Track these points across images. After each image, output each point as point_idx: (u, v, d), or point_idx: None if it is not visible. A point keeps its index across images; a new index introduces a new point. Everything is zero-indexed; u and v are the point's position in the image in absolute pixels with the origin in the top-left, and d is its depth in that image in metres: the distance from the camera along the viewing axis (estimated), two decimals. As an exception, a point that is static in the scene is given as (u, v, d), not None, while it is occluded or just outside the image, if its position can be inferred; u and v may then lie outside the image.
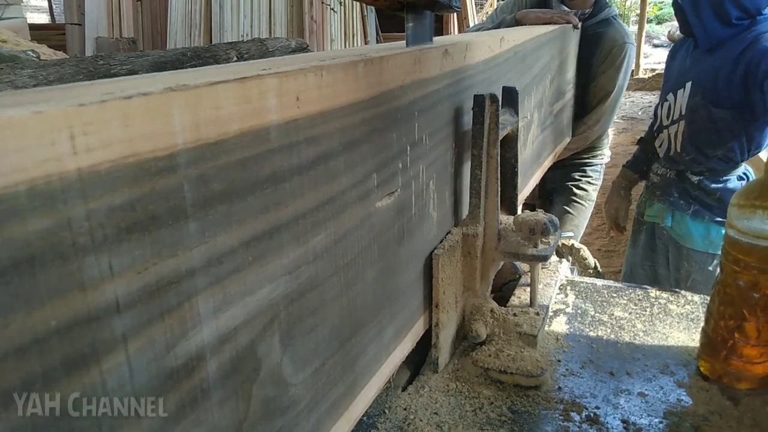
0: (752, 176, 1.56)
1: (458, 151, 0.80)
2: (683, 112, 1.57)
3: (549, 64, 1.38)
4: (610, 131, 2.04)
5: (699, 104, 1.52)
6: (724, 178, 1.55)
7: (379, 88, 0.55)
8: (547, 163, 1.55)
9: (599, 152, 2.00)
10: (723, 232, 1.51)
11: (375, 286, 0.59)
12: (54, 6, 8.96)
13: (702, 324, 0.81)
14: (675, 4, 1.57)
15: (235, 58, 2.51)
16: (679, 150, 1.60)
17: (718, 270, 1.59)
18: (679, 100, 1.58)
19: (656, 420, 0.70)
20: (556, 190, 1.99)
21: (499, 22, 1.72)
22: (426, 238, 0.72)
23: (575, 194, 1.96)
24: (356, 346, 0.56)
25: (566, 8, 1.77)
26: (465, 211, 0.85)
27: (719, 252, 1.52)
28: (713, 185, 1.55)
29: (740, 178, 1.55)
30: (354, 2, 5.03)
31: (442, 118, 0.73)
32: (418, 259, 0.71)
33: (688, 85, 1.55)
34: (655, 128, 1.73)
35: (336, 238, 0.50)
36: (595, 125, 1.88)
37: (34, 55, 2.82)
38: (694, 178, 1.58)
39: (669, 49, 1.82)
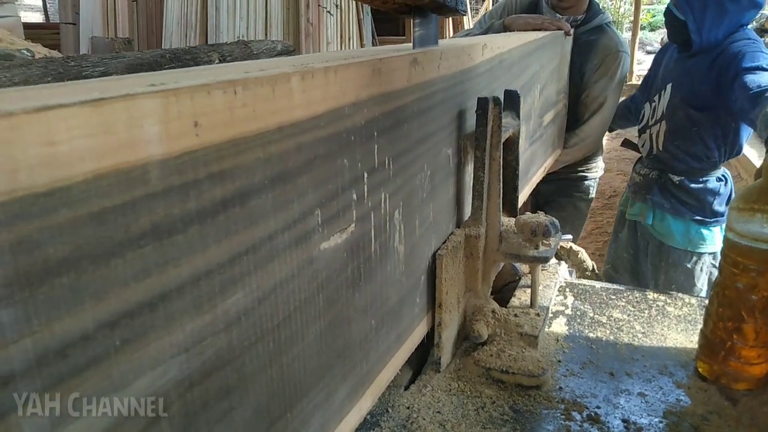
0: (730, 178, 1.63)
1: (433, 171, 0.70)
2: (664, 112, 1.63)
3: (538, 74, 1.28)
4: (604, 140, 1.95)
5: (678, 105, 1.57)
6: (704, 179, 1.61)
7: (323, 106, 0.45)
8: (536, 179, 1.45)
9: (593, 165, 1.90)
10: (701, 230, 1.62)
11: (320, 345, 0.49)
12: (48, 5, 8.83)
13: (700, 326, 0.81)
14: (668, 14, 1.59)
15: (217, 61, 2.40)
16: (660, 149, 1.65)
17: (702, 270, 1.61)
18: (662, 102, 1.64)
19: (656, 419, 0.70)
20: (548, 204, 1.89)
21: (487, 27, 1.63)
22: (390, 277, 0.62)
23: (567, 211, 1.87)
24: (294, 421, 0.46)
25: (558, 14, 1.68)
26: (464, 215, 0.85)
27: (697, 250, 1.64)
28: (693, 185, 1.61)
29: (719, 180, 1.61)
30: (350, 5, 4.93)
31: (410, 137, 0.62)
32: (379, 302, 0.60)
33: (669, 86, 1.62)
34: (639, 128, 1.77)
35: (260, 295, 0.40)
36: (588, 138, 1.78)
37: (29, 54, 2.75)
38: (676, 179, 1.63)
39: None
